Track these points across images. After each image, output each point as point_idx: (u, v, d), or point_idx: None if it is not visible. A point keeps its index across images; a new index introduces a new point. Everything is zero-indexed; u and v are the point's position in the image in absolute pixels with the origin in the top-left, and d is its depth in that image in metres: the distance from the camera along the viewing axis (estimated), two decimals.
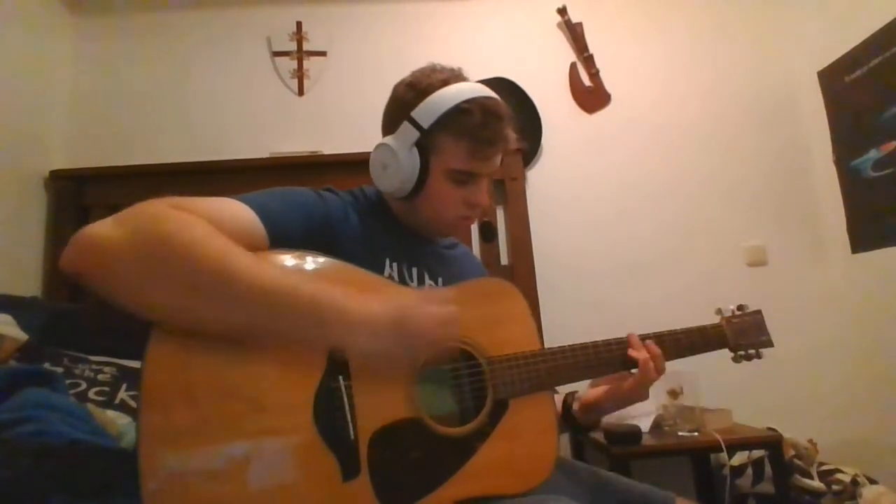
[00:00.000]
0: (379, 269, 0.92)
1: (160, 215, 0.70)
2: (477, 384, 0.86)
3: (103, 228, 0.68)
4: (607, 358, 0.96)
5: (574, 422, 1.03)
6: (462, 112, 0.92)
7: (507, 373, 0.87)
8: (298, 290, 0.70)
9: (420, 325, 0.75)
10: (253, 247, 0.76)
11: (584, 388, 1.05)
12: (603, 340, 0.97)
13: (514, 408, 0.86)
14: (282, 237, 0.81)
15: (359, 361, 0.75)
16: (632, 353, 0.95)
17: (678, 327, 1.04)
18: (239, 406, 0.70)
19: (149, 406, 0.67)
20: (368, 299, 0.75)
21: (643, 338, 0.98)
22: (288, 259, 0.80)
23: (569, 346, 0.94)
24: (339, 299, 0.73)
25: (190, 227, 0.69)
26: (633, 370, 0.96)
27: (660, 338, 1.00)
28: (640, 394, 0.95)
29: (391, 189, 0.97)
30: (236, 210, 0.79)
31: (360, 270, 0.84)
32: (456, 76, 0.98)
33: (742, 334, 1.07)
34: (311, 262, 0.81)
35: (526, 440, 0.85)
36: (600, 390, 1.00)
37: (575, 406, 1.03)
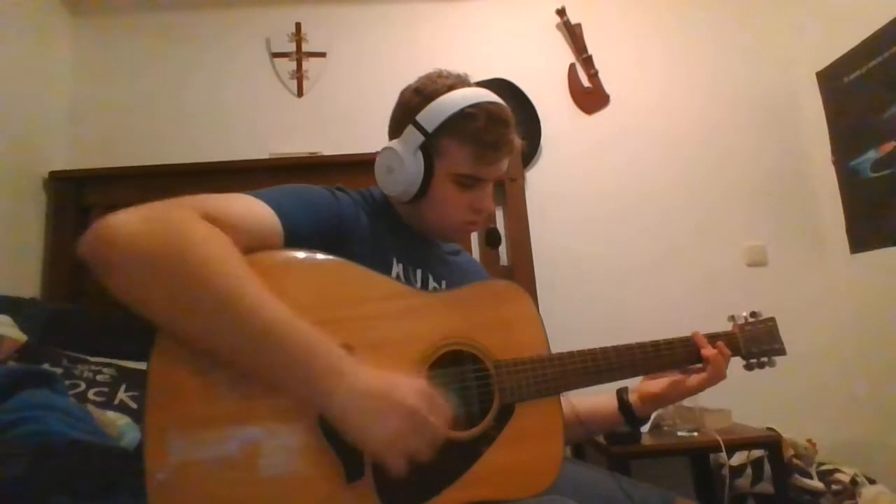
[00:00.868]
0: (386, 269, 0.92)
1: (181, 227, 0.69)
2: (483, 388, 0.86)
3: (124, 226, 0.68)
4: (619, 363, 0.96)
5: (632, 415, 1.04)
6: (467, 117, 0.92)
7: (514, 377, 0.86)
8: (292, 337, 0.68)
9: (404, 413, 0.69)
10: (268, 245, 0.77)
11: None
12: (613, 346, 0.96)
13: (520, 412, 0.85)
14: (296, 235, 0.81)
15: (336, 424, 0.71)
16: (704, 352, 0.99)
17: (679, 328, 1.04)
18: (243, 407, 0.70)
19: (155, 400, 0.67)
20: (363, 366, 0.71)
21: (653, 344, 0.99)
22: (304, 265, 0.80)
23: (577, 351, 0.93)
24: (331, 360, 0.69)
25: (205, 247, 0.68)
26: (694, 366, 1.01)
27: (670, 345, 1.00)
28: (700, 389, 1.00)
29: (396, 192, 0.97)
30: (257, 210, 0.80)
31: (371, 273, 0.84)
32: (462, 82, 0.98)
33: (754, 342, 1.06)
34: (326, 276, 0.81)
35: (532, 445, 0.84)
36: (661, 383, 1.02)
37: (633, 398, 1.04)
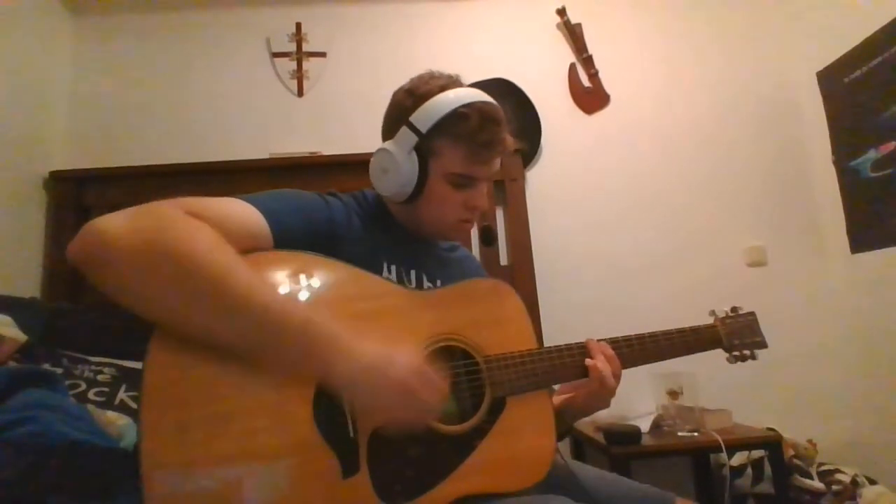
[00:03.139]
0: (378, 272, 0.92)
1: (168, 221, 0.70)
2: (474, 382, 0.87)
3: (111, 224, 0.69)
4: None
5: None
6: (460, 117, 0.93)
7: (504, 371, 0.88)
8: (290, 314, 0.70)
9: (398, 388, 0.72)
10: (258, 248, 0.78)
11: None
12: (566, 344, 0.95)
13: (511, 406, 0.87)
14: (286, 239, 0.82)
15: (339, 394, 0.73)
16: (587, 361, 0.94)
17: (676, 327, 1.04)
18: (239, 403, 0.70)
19: (151, 400, 0.68)
20: (362, 339, 0.73)
21: (638, 337, 1.00)
22: (295, 266, 0.80)
23: (565, 345, 0.95)
24: (332, 332, 0.72)
25: (194, 237, 0.69)
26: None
27: (654, 337, 1.01)
28: (599, 403, 0.96)
29: (391, 193, 0.97)
30: (244, 212, 0.80)
31: (362, 273, 0.85)
32: (454, 82, 0.99)
33: (735, 335, 1.10)
34: (316, 277, 0.81)
35: (524, 438, 0.86)
36: (562, 398, 1.01)
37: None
